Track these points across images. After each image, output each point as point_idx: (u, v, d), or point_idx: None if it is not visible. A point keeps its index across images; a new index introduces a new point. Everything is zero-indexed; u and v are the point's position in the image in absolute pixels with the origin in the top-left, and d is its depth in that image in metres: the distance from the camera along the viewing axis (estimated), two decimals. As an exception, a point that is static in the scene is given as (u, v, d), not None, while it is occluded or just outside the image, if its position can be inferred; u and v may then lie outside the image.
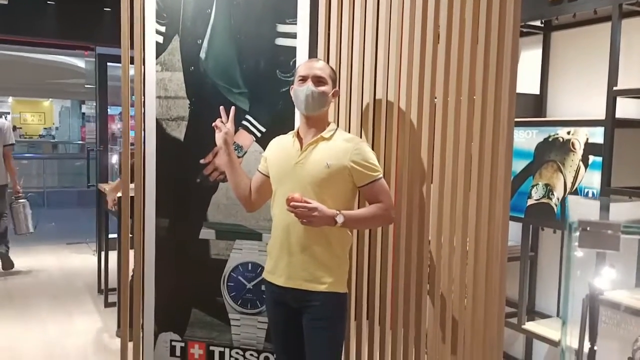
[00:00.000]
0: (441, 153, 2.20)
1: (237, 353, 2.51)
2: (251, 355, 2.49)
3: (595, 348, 1.22)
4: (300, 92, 1.99)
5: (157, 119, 2.51)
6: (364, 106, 2.34)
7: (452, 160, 2.17)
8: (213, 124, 2.15)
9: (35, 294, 4.71)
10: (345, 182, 1.98)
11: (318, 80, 1.99)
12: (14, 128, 17.64)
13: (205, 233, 2.50)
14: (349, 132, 2.31)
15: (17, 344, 3.68)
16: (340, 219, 1.89)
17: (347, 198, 2.01)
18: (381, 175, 2.01)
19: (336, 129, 2.06)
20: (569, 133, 2.73)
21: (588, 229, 1.06)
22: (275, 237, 2.06)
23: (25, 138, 16.92)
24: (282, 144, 2.11)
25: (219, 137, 2.14)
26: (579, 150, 2.68)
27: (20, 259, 5.94)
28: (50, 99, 19.13)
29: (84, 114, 16.73)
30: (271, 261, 2.08)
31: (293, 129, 2.15)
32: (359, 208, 2.14)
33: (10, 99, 19.30)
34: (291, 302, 2.02)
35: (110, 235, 4.53)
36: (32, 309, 4.36)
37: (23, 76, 12.74)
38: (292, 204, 1.85)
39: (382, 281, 2.34)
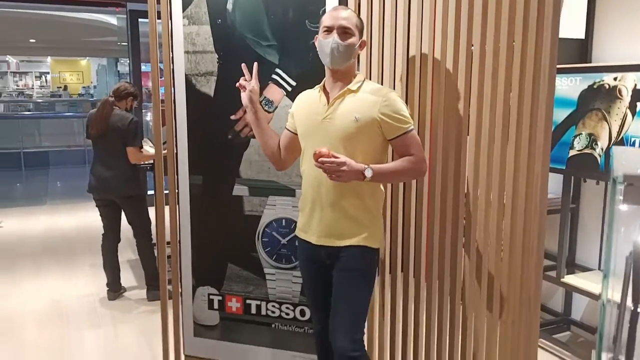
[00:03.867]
0: (478, 104, 2.11)
1: (273, 306, 2.55)
2: (287, 308, 2.53)
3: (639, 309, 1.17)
4: (325, 44, 1.89)
5: (186, 75, 2.49)
6: (397, 57, 2.25)
7: (489, 111, 2.08)
8: (237, 83, 2.10)
9: (81, 249, 4.89)
10: (375, 136, 1.91)
11: (344, 32, 1.88)
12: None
13: (239, 189, 2.50)
14: (382, 85, 2.23)
15: (64, 298, 3.84)
16: (369, 173, 1.83)
17: (378, 152, 1.94)
18: (412, 127, 1.92)
19: (363, 80, 1.97)
20: (615, 79, 2.58)
21: (634, 184, 0.98)
22: (305, 194, 2.03)
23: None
24: (309, 99, 2.04)
25: (244, 96, 2.11)
26: (626, 97, 2.53)
27: (68, 215, 6.16)
28: (87, 58, 19.36)
29: (119, 71, 16.87)
30: (303, 218, 2.06)
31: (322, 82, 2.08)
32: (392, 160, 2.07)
33: (49, 59, 19.62)
34: (324, 259, 2.00)
35: (150, 192, 4.60)
36: (78, 264, 4.53)
37: (58, 35, 12.86)
38: (319, 159, 1.80)
39: (417, 234, 2.31)
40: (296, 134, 2.07)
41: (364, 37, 1.99)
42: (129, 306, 3.69)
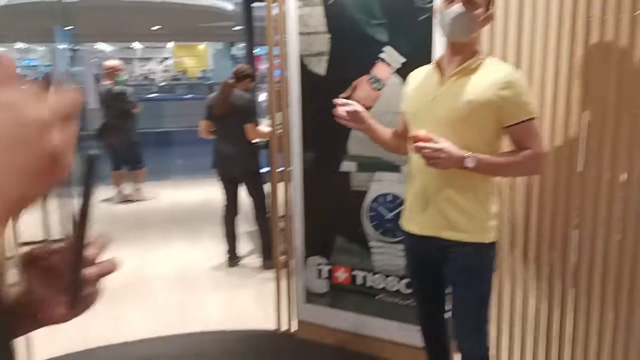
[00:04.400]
0: (593, 78, 2.02)
1: (378, 278, 2.64)
2: (392, 280, 2.61)
3: None
4: (446, 14, 1.70)
5: (299, 56, 2.62)
6: (509, 31, 2.20)
7: (605, 87, 1.99)
8: (337, 112, 1.87)
9: (202, 221, 5.30)
10: (490, 121, 1.71)
11: (468, 1, 1.68)
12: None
13: (347, 165, 2.61)
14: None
15: (189, 264, 4.22)
16: (470, 163, 1.65)
17: (490, 140, 1.74)
18: (534, 116, 1.70)
19: (485, 58, 1.77)
20: None
21: None
22: (410, 180, 1.90)
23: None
24: (421, 76, 1.88)
25: (353, 118, 1.88)
26: None
27: (189, 190, 6.68)
28: (204, 43, 20.45)
29: (234, 55, 17.62)
30: (407, 206, 1.93)
31: (431, 59, 2.08)
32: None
33: (170, 45, 20.95)
34: (430, 252, 1.87)
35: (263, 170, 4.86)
36: (200, 234, 4.93)
37: (179, 22, 13.70)
38: (415, 143, 1.66)
39: (527, 213, 2.27)
40: None
41: (491, 10, 1.78)
42: (246, 273, 3.98)
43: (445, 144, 1.65)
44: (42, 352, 2.65)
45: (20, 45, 17.92)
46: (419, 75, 1.92)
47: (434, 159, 1.65)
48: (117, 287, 3.68)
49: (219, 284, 3.81)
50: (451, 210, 1.77)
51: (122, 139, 5.65)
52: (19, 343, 0.58)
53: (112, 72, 5.61)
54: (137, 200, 6.07)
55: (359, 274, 2.69)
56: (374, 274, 2.65)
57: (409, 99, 1.91)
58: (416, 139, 1.67)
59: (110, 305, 3.40)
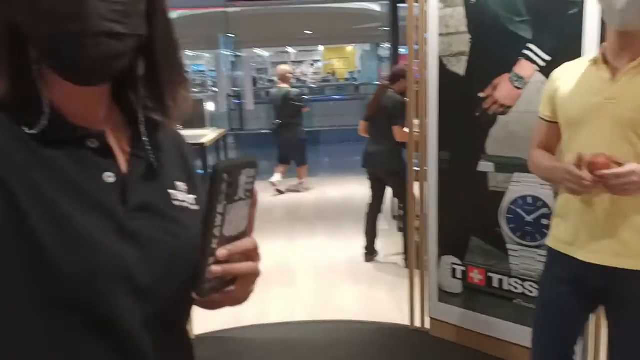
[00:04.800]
0: None
1: (515, 282, 2.57)
2: (530, 285, 2.53)
3: None
4: None
5: (439, 56, 2.64)
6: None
7: None
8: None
9: (344, 216, 5.51)
10: None
11: None
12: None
13: (484, 166, 2.58)
14: None
15: (330, 255, 4.44)
16: None
17: None
18: None
19: None
20: None
21: None
22: (572, 197, 1.58)
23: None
24: (577, 73, 1.59)
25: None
26: None
27: (334, 187, 6.96)
28: (353, 45, 20.94)
29: (380, 56, 17.79)
30: (563, 225, 1.63)
31: (580, 56, 1.98)
32: None
33: (320, 48, 21.78)
34: (591, 282, 1.58)
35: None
36: (342, 228, 5.14)
37: (329, 25, 14.22)
38: (597, 172, 1.38)
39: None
40: (556, 123, 1.66)
41: None
42: (384, 269, 4.08)
43: (633, 166, 1.36)
44: (199, 326, 2.99)
45: (189, 52, 19.91)
46: (571, 73, 1.62)
47: (624, 186, 1.38)
48: (265, 272, 4.01)
49: (357, 277, 3.96)
50: (629, 231, 1.50)
51: (293, 137, 6.29)
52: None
53: (286, 77, 6.29)
54: (301, 191, 6.66)
55: (495, 277, 2.64)
56: (511, 277, 2.59)
57: (567, 102, 1.60)
58: (595, 167, 1.39)
59: (259, 288, 3.72)
